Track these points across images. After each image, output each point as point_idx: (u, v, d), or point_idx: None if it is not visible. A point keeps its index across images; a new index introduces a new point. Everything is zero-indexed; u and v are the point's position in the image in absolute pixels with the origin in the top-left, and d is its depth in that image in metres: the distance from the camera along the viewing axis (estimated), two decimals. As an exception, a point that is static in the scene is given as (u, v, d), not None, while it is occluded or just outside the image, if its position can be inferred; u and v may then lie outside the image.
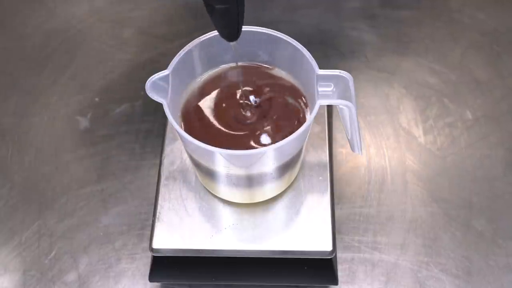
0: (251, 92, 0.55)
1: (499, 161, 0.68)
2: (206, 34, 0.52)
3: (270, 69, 0.56)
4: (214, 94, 0.55)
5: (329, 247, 0.54)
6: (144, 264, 0.62)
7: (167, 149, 0.60)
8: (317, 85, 0.50)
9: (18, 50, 0.79)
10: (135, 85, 0.74)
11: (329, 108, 0.63)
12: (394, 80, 0.74)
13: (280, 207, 0.57)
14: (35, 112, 0.73)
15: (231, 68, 0.56)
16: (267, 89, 0.55)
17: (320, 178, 0.58)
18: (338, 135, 0.69)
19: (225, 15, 0.47)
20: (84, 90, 0.74)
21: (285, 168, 0.53)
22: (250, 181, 0.53)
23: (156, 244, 0.55)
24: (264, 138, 0.52)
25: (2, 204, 0.66)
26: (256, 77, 0.56)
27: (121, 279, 0.62)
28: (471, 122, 0.71)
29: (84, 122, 0.72)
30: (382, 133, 0.70)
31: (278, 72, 0.56)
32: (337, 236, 0.61)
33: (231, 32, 0.49)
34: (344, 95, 0.50)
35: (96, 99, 0.74)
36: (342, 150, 0.69)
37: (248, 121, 0.53)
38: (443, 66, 0.75)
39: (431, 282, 0.61)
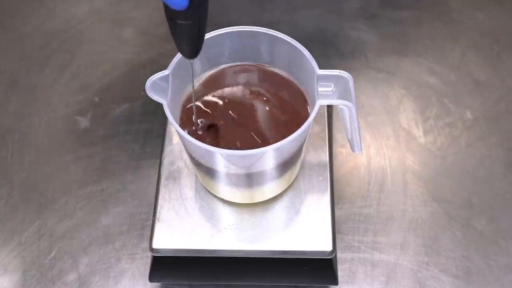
0: (251, 92, 0.55)
1: (499, 161, 0.68)
2: (206, 34, 0.52)
3: (270, 69, 0.56)
4: (214, 94, 0.55)
5: (329, 247, 0.54)
6: (144, 264, 0.62)
7: (167, 149, 0.60)
8: (317, 85, 0.50)
9: (18, 50, 0.79)
10: (135, 85, 0.74)
11: (329, 108, 0.63)
12: (394, 80, 0.74)
13: (280, 207, 0.57)
14: (35, 112, 0.73)
15: (231, 68, 0.56)
16: (267, 89, 0.55)
17: (320, 178, 0.58)
18: (338, 135, 0.69)
19: (187, 31, 0.45)
20: (84, 90, 0.74)
21: (285, 168, 0.53)
22: (250, 181, 0.53)
23: (156, 244, 0.55)
24: (264, 138, 0.52)
25: (2, 204, 0.66)
26: (256, 77, 0.56)
27: (121, 279, 0.62)
28: (471, 122, 0.71)
29: (84, 122, 0.72)
30: (382, 133, 0.70)
31: (278, 72, 0.56)
32: (337, 236, 0.61)
33: (191, 49, 0.47)
34: (344, 95, 0.50)
35: (96, 99, 0.74)
36: (342, 150, 0.69)
37: (248, 121, 0.53)
38: (443, 66, 0.75)
39: (431, 282, 0.61)
